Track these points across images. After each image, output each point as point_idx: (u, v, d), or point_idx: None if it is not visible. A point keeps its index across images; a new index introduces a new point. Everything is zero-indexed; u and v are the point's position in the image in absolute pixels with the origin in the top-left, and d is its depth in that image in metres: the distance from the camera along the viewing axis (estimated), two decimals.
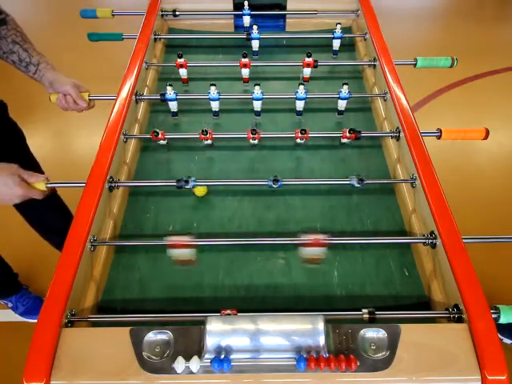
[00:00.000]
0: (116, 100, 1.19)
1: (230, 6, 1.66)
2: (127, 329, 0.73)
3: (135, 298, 0.91)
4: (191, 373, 0.68)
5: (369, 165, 1.20)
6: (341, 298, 0.91)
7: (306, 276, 0.95)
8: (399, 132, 1.14)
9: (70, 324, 0.77)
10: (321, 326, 0.71)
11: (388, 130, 1.23)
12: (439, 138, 1.15)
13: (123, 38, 1.57)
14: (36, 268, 1.99)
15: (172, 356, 0.70)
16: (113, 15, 1.60)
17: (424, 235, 0.94)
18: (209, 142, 1.19)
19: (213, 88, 1.23)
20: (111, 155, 1.03)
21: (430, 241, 0.91)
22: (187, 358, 0.68)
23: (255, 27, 1.47)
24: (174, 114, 1.32)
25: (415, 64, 1.40)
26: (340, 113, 1.32)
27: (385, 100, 1.29)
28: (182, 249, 0.91)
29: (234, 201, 1.10)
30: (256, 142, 1.18)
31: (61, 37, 3.64)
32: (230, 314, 0.78)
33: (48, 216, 1.66)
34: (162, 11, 1.63)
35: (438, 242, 0.88)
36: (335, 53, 1.55)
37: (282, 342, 0.70)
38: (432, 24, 3.95)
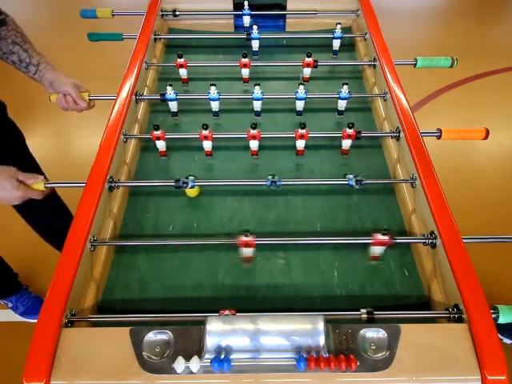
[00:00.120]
0: (116, 100, 1.19)
1: (230, 6, 1.67)
2: (127, 329, 0.73)
3: (135, 298, 0.91)
4: (191, 373, 0.68)
5: (369, 165, 1.20)
6: (341, 297, 0.91)
7: (306, 276, 0.95)
8: (399, 132, 1.14)
9: (70, 324, 0.77)
10: (321, 325, 0.71)
11: (388, 130, 1.23)
12: (439, 138, 1.15)
13: (123, 38, 1.57)
14: (36, 268, 1.99)
15: (172, 356, 0.70)
16: (113, 15, 1.60)
17: (424, 235, 0.94)
18: (208, 147, 1.18)
19: (213, 88, 1.23)
20: (111, 155, 1.03)
21: (430, 241, 0.91)
22: (187, 358, 0.68)
23: (255, 27, 1.47)
24: (174, 114, 1.32)
25: (415, 64, 1.40)
26: (340, 113, 1.32)
27: (385, 100, 1.29)
28: (247, 248, 0.91)
29: (233, 201, 1.10)
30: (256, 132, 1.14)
31: (61, 37, 3.64)
32: (228, 315, 0.78)
33: (48, 216, 1.66)
34: (162, 11, 1.63)
35: (438, 241, 0.88)
36: (335, 53, 1.55)
37: (282, 342, 0.70)
38: (432, 24, 3.95)
